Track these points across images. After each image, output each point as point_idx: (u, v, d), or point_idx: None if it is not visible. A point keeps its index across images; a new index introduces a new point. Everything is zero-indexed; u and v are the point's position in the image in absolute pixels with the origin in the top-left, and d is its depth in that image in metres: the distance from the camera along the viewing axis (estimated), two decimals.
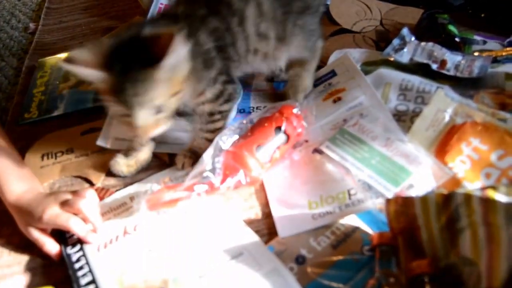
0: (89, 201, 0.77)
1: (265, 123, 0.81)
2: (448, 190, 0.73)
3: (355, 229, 0.71)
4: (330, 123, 0.87)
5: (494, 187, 0.60)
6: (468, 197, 0.60)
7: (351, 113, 0.87)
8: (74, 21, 1.31)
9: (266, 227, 0.76)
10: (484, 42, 1.08)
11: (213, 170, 0.77)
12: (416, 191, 0.73)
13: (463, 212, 0.60)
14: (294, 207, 0.77)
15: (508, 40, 1.07)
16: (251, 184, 0.79)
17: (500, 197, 0.58)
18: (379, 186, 0.74)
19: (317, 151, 0.83)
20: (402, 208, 0.66)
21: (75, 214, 0.75)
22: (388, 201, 0.68)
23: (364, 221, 0.72)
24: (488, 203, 0.58)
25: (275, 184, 0.81)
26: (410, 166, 0.76)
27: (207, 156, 0.78)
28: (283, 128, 0.81)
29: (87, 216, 0.75)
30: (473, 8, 1.19)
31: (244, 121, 0.84)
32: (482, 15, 1.18)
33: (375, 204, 0.73)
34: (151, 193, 0.77)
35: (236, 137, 0.81)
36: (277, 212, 0.76)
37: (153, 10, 1.12)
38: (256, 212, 0.78)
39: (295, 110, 0.83)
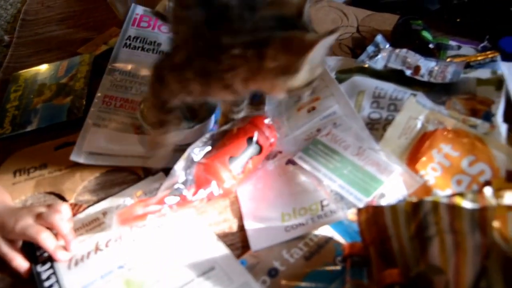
0: (63, 215, 0.76)
1: (237, 134, 0.81)
2: (419, 198, 0.73)
3: (328, 239, 0.71)
4: (304, 133, 0.87)
5: (461, 194, 0.60)
6: (435, 204, 0.60)
7: (325, 123, 0.87)
8: (50, 33, 1.29)
9: (240, 240, 0.75)
10: (459, 47, 1.08)
11: (185, 182, 0.77)
12: (388, 200, 0.73)
13: (431, 220, 0.60)
14: (267, 219, 0.76)
15: (481, 45, 1.08)
16: (224, 196, 0.79)
17: (466, 204, 0.59)
18: (351, 196, 0.74)
19: (291, 162, 0.82)
20: (373, 217, 0.66)
21: (49, 228, 0.74)
22: (359, 211, 0.68)
23: (337, 231, 0.72)
24: (454, 210, 0.58)
25: (249, 196, 0.81)
26: (381, 175, 0.76)
27: (179, 168, 0.77)
28: (255, 138, 0.80)
29: (60, 231, 0.74)
30: (449, 13, 1.20)
31: (217, 133, 0.83)
32: (458, 20, 1.19)
33: (347, 214, 0.73)
34: (123, 208, 0.77)
35: (209, 148, 0.81)
36: (250, 225, 0.76)
37: (129, 20, 1.11)
38: (230, 225, 0.77)
39: (267, 121, 0.83)
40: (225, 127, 0.84)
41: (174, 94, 0.75)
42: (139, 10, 1.12)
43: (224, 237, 0.75)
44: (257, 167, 0.83)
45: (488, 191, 0.59)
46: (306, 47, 0.63)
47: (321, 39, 0.63)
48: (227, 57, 0.68)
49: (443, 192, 0.73)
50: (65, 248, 0.75)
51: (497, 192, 0.67)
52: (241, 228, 0.77)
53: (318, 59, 0.68)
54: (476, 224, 0.57)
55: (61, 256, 0.73)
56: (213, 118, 0.90)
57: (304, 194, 0.78)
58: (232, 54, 0.67)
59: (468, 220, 0.57)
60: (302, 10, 0.69)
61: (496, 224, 0.55)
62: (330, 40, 0.64)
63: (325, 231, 0.72)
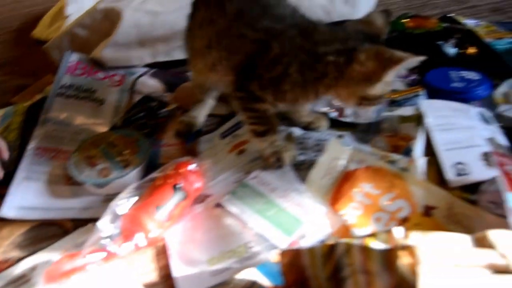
0: None
1: (163, 183, 0.81)
2: (340, 237, 0.75)
3: (253, 283, 0.71)
4: (232, 176, 0.88)
5: (374, 235, 0.63)
6: (349, 246, 0.62)
7: (254, 165, 0.88)
8: None
9: None
10: None
11: (111, 236, 0.76)
12: (309, 241, 0.75)
13: (345, 261, 0.61)
14: (194, 264, 0.76)
15: (410, 78, 1.12)
16: (150, 245, 0.79)
17: (378, 244, 0.61)
18: (274, 238, 0.75)
19: (219, 205, 0.83)
20: (293, 259, 0.67)
21: None
22: (281, 253, 0.69)
23: (262, 273, 0.72)
24: (366, 252, 0.60)
25: (178, 241, 0.81)
26: (303, 216, 0.77)
27: (103, 222, 0.77)
28: (180, 185, 0.81)
29: None
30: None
31: (143, 182, 0.84)
32: None
33: (271, 256, 0.73)
34: (51, 264, 0.76)
35: (135, 199, 0.81)
36: (177, 271, 0.76)
37: (63, 68, 1.12)
38: (159, 274, 0.77)
39: (191, 166, 0.84)
40: (151, 176, 0.84)
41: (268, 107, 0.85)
42: (74, 57, 1.13)
43: (152, 287, 0.75)
44: (184, 213, 0.83)
45: (398, 231, 0.61)
46: (394, 61, 0.74)
47: (409, 58, 0.74)
48: (322, 65, 0.78)
49: (362, 230, 0.74)
50: None
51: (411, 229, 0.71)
52: (170, 276, 0.76)
53: (395, 76, 0.79)
54: (385, 264, 0.59)
55: None
56: (142, 167, 0.92)
57: (230, 237, 0.78)
58: (327, 60, 0.78)
59: (378, 261, 0.59)
60: (384, 31, 0.82)
61: (405, 260, 0.57)
62: (415, 61, 0.75)
63: (250, 274, 0.72)
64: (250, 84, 0.84)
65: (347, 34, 0.80)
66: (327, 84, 0.79)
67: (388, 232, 0.62)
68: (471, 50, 1.16)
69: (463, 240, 0.62)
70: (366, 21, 0.83)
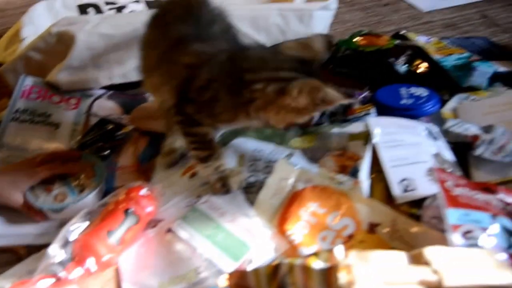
0: None
1: (114, 207, 0.82)
2: (288, 257, 0.76)
3: None
4: (184, 200, 0.88)
5: (316, 254, 0.64)
6: (291, 266, 0.63)
7: (205, 189, 0.89)
8: None
9: None
10: None
11: (62, 262, 0.76)
12: (256, 264, 0.75)
13: (288, 280, 0.63)
14: None
15: (362, 95, 1.14)
16: (102, 269, 0.78)
17: (318, 264, 0.62)
18: (221, 262, 0.76)
19: (171, 230, 0.83)
20: (240, 280, 0.68)
21: None
22: (229, 275, 0.70)
23: None
24: (307, 271, 0.62)
25: (130, 265, 0.81)
26: (251, 240, 0.78)
27: (54, 248, 0.77)
28: (132, 210, 0.82)
29: None
30: (336, 64, 1.28)
31: (95, 207, 0.84)
32: (344, 70, 1.27)
33: (219, 281, 0.73)
34: None
35: (87, 223, 0.81)
36: None
37: (18, 93, 1.12)
38: None
39: (143, 191, 0.85)
40: (103, 201, 0.85)
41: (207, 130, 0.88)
42: (29, 81, 1.13)
43: None
44: (137, 237, 0.83)
45: (338, 250, 0.63)
46: (326, 102, 0.76)
47: (341, 100, 0.77)
48: (248, 91, 0.79)
49: (309, 249, 0.76)
50: None
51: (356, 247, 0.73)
52: None
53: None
54: (325, 283, 0.60)
55: None
56: (98, 191, 0.92)
57: (180, 262, 0.79)
58: (253, 88, 0.79)
59: (318, 280, 0.61)
60: (321, 56, 0.83)
61: (344, 279, 0.59)
62: (346, 102, 0.80)
63: None
64: (187, 107, 0.85)
65: (279, 61, 0.81)
66: (256, 108, 0.80)
67: (330, 251, 0.63)
68: (421, 67, 1.20)
69: (399, 257, 0.64)
70: (304, 43, 0.84)
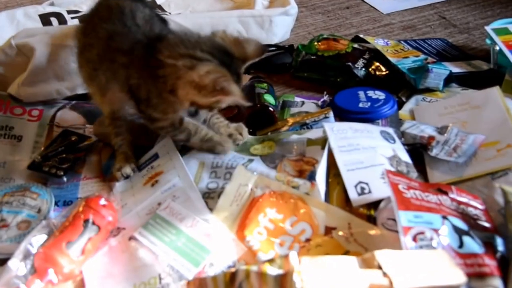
0: None
1: (73, 219, 0.83)
2: (246, 263, 0.79)
3: None
4: (146, 208, 0.90)
5: (272, 260, 0.66)
6: (248, 272, 0.65)
7: (165, 196, 0.90)
8: None
9: None
10: (302, 104, 1.17)
11: (23, 274, 0.77)
12: (216, 269, 0.77)
13: (245, 287, 0.65)
14: None
15: (321, 99, 1.17)
16: (65, 281, 0.79)
17: (273, 270, 0.64)
18: (182, 268, 0.78)
19: (133, 237, 0.85)
20: None
21: None
22: (188, 283, 0.73)
23: None
24: (262, 277, 0.64)
25: (95, 275, 0.82)
26: (210, 244, 0.80)
27: (14, 261, 0.78)
28: (91, 220, 0.83)
29: None
30: (297, 69, 1.31)
31: (54, 220, 0.85)
32: (305, 74, 1.29)
33: (180, 286, 0.76)
34: None
35: (45, 237, 0.82)
36: None
37: None
38: None
39: (102, 201, 0.86)
40: (63, 212, 0.86)
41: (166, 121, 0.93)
42: None
43: None
44: (99, 246, 0.84)
45: (293, 256, 0.65)
46: (224, 92, 0.83)
47: (237, 97, 0.84)
48: (163, 69, 0.84)
49: (266, 255, 0.78)
50: None
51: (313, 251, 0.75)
52: None
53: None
54: None
55: None
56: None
57: (143, 269, 0.80)
58: (166, 63, 0.83)
59: (272, 286, 0.63)
60: (247, 58, 0.88)
61: (298, 285, 0.61)
62: (242, 103, 0.86)
63: None
64: (141, 107, 0.92)
65: (199, 43, 0.85)
66: (170, 85, 0.85)
67: (285, 257, 0.65)
68: (379, 70, 1.23)
69: (350, 262, 0.66)
70: (238, 41, 0.89)
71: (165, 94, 0.87)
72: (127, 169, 0.97)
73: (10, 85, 1.15)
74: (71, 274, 0.80)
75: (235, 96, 0.83)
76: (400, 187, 0.81)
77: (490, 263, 0.72)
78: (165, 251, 0.81)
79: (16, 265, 0.78)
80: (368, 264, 0.66)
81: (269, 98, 1.11)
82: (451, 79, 1.19)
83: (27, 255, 0.80)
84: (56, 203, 0.95)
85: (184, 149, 0.99)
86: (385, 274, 0.63)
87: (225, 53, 0.86)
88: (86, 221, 0.83)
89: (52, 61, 1.11)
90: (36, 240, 0.82)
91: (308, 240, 0.80)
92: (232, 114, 1.05)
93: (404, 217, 0.75)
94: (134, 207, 0.91)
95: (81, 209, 0.84)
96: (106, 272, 0.82)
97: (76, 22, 1.45)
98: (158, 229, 0.84)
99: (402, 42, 1.37)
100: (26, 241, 0.81)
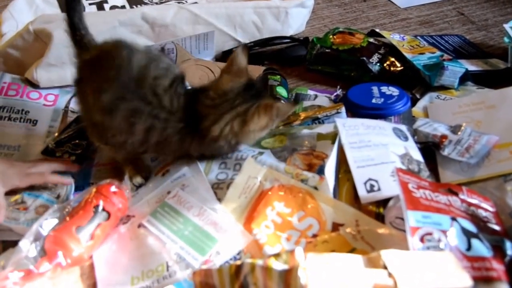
0: None
1: (84, 204, 0.85)
2: (252, 255, 0.79)
3: None
4: (156, 196, 0.91)
5: (278, 255, 0.66)
6: (253, 266, 0.65)
7: (174, 185, 0.91)
8: None
9: None
10: (315, 97, 1.17)
11: (32, 256, 0.79)
12: (223, 258, 0.79)
13: (250, 280, 0.65)
14: (118, 284, 0.79)
15: (335, 93, 1.17)
16: (74, 264, 0.81)
17: (278, 265, 0.64)
18: (189, 256, 0.79)
19: (142, 225, 0.86)
20: (205, 278, 0.71)
21: None
22: (194, 273, 0.73)
23: None
24: (267, 271, 0.64)
25: (105, 260, 0.83)
26: (217, 233, 0.81)
27: (25, 243, 0.80)
28: (101, 206, 0.84)
29: None
30: (311, 62, 1.30)
31: (65, 205, 0.87)
32: (319, 67, 1.29)
33: (186, 275, 0.77)
34: None
35: (56, 221, 0.84)
36: None
37: None
38: None
39: (113, 188, 0.87)
40: (76, 197, 0.88)
41: None
42: (7, 78, 1.14)
43: None
44: (109, 233, 0.86)
45: (298, 252, 0.65)
46: (281, 114, 0.92)
47: (292, 109, 0.99)
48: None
49: (272, 248, 0.78)
50: None
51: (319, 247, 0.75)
52: None
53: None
54: (283, 284, 0.63)
55: None
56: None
57: (151, 256, 0.81)
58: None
59: (277, 281, 0.63)
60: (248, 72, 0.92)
61: (302, 281, 0.61)
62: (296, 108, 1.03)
63: None
64: None
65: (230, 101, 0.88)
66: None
67: (291, 252, 0.66)
68: (393, 66, 1.22)
69: (355, 261, 0.66)
70: (233, 69, 0.90)
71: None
72: (138, 179, 0.96)
73: (27, 69, 1.16)
74: (80, 258, 0.82)
75: (290, 111, 0.97)
76: (410, 186, 0.81)
77: (498, 268, 0.72)
78: (172, 239, 0.82)
79: (27, 247, 0.80)
80: (374, 263, 0.66)
81: (281, 91, 1.11)
82: (466, 77, 1.18)
83: (37, 237, 0.82)
84: None
85: None
86: (390, 275, 0.63)
87: (245, 88, 0.90)
88: (96, 207, 0.84)
89: (68, 47, 1.11)
90: (48, 223, 0.84)
91: (315, 235, 0.80)
92: None
93: (412, 217, 0.75)
94: (145, 195, 0.92)
95: (92, 195, 0.86)
96: (115, 258, 0.84)
97: (94, 8, 1.47)
98: (166, 217, 0.85)
99: (419, 37, 1.35)
100: (37, 224, 0.83)
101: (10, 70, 1.18)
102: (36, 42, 1.13)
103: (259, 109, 0.86)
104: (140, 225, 0.86)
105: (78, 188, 0.97)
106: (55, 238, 0.81)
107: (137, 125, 0.85)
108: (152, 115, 0.85)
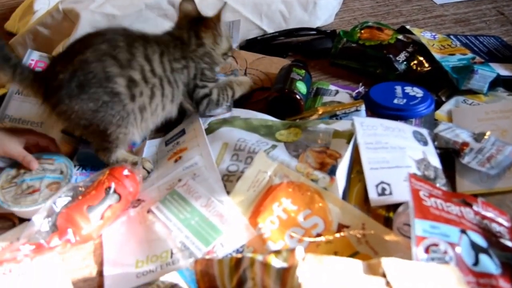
0: None
1: (97, 185, 0.87)
2: (255, 249, 0.80)
3: (174, 285, 0.76)
4: (167, 183, 0.92)
5: (277, 253, 0.66)
6: (252, 261, 0.66)
7: (186, 173, 0.92)
8: None
9: (98, 286, 0.80)
10: (336, 93, 1.15)
11: (45, 231, 0.83)
12: (226, 250, 0.79)
13: (249, 274, 0.66)
14: (123, 265, 0.82)
15: (356, 90, 1.15)
16: (82, 242, 0.84)
17: (277, 262, 0.65)
18: (193, 246, 0.80)
19: (150, 211, 0.88)
20: (206, 268, 0.72)
21: None
22: (195, 261, 0.74)
23: (182, 278, 0.77)
24: (265, 267, 0.65)
25: (113, 241, 0.86)
26: (222, 225, 0.82)
27: (38, 218, 0.84)
28: (112, 188, 0.87)
29: None
30: (334, 56, 1.28)
31: (80, 184, 0.90)
32: (344, 62, 1.27)
33: (189, 263, 0.78)
34: None
35: (69, 199, 0.87)
36: (108, 271, 0.82)
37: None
38: (90, 271, 0.83)
39: (125, 171, 0.89)
40: (89, 178, 0.91)
41: None
42: (35, 55, 1.16)
43: (83, 282, 0.81)
44: (118, 215, 0.88)
45: (299, 251, 0.65)
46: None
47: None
48: None
49: (275, 244, 0.79)
50: None
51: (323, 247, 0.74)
52: (101, 273, 0.82)
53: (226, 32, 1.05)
54: (279, 282, 0.63)
55: None
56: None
57: (157, 242, 0.83)
58: None
59: (274, 278, 0.63)
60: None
61: (298, 280, 0.61)
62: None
63: (172, 277, 0.77)
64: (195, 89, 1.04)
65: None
66: None
67: (291, 251, 0.66)
68: (421, 65, 1.18)
69: (354, 266, 0.66)
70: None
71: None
72: (148, 164, 0.98)
73: (55, 48, 1.19)
74: (88, 236, 0.85)
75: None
76: (421, 193, 0.79)
77: (505, 286, 0.69)
78: (179, 227, 0.83)
79: (40, 221, 0.84)
80: (373, 270, 0.65)
81: (300, 86, 1.08)
82: (497, 82, 1.13)
83: (50, 213, 0.86)
84: (84, 167, 0.99)
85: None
86: (388, 283, 0.62)
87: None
88: (108, 189, 0.87)
89: (95, 28, 1.13)
90: (61, 200, 0.87)
91: (319, 235, 0.80)
92: (262, 97, 1.05)
93: (419, 226, 0.73)
94: (156, 181, 0.93)
95: (105, 176, 0.89)
96: (123, 240, 0.86)
97: None
98: (174, 205, 0.87)
99: (451, 37, 1.30)
100: (51, 200, 0.86)
101: (38, 47, 1.20)
102: (64, 21, 1.16)
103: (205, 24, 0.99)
104: (149, 211, 0.88)
105: (94, 168, 0.99)
106: (67, 215, 0.84)
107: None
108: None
